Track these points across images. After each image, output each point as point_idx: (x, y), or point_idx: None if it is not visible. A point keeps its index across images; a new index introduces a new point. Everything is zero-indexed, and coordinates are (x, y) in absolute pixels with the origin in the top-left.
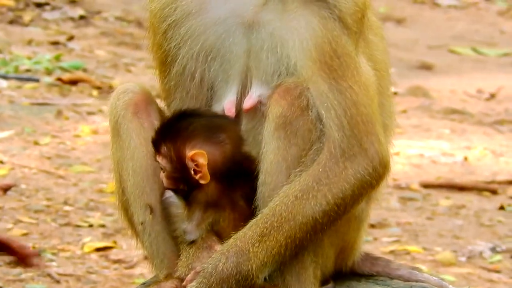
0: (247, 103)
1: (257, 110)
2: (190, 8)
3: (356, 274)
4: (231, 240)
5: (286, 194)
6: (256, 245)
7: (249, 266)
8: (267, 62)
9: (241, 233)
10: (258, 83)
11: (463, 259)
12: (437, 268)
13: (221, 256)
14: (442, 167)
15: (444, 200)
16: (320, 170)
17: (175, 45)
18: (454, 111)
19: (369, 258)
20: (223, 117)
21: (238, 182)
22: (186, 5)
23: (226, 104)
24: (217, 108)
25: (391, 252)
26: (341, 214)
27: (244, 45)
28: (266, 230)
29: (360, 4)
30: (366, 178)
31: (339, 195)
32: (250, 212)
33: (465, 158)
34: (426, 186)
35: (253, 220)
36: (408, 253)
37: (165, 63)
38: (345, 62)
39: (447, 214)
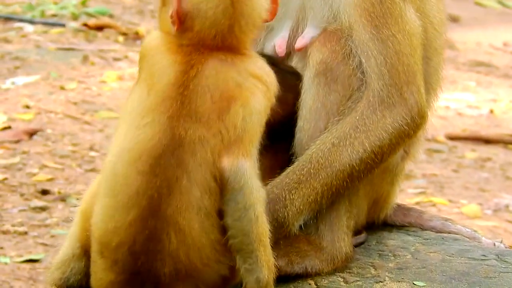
0: (300, 42)
1: (307, 52)
2: None
3: (387, 225)
4: (267, 187)
5: (323, 142)
6: (293, 192)
7: (285, 213)
8: (320, 4)
9: (278, 180)
10: (312, 24)
11: (488, 212)
12: (462, 221)
13: None
14: (468, 119)
15: (470, 153)
16: (357, 118)
17: None
18: (480, 64)
19: (401, 209)
20: (295, 74)
21: (282, 136)
22: None
23: (278, 41)
24: (269, 44)
25: (417, 203)
26: (378, 162)
27: None
28: (303, 177)
29: None
30: (403, 127)
31: (377, 143)
32: (287, 162)
33: (491, 111)
34: (452, 138)
35: (290, 167)
36: (433, 205)
37: None
38: (388, 9)
39: (472, 166)
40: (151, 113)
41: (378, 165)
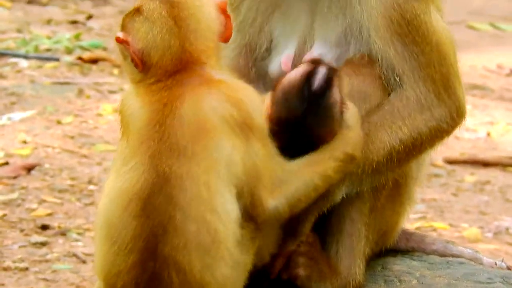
0: (307, 57)
1: None
2: None
3: (391, 250)
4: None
5: (367, 123)
6: None
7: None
8: (334, 24)
9: None
10: (321, 41)
11: (489, 235)
12: (463, 244)
13: None
14: (466, 143)
15: (469, 176)
16: (398, 113)
17: (238, 2)
18: (475, 87)
19: (404, 233)
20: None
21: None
22: None
23: (284, 58)
24: (274, 61)
25: (417, 228)
26: (417, 149)
27: (309, 4)
28: None
29: None
30: (443, 126)
31: (416, 131)
32: None
33: (488, 134)
34: (451, 162)
35: None
36: (434, 229)
37: (234, 11)
38: (414, 27)
39: (472, 190)
40: (133, 157)
41: (416, 154)
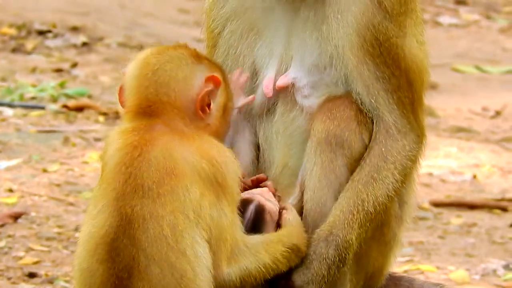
0: (280, 81)
1: (289, 92)
2: None
3: None
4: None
5: (359, 179)
6: (350, 223)
7: (346, 242)
8: (310, 43)
9: (330, 220)
10: (297, 65)
11: (476, 277)
12: (451, 287)
13: None
14: (452, 185)
15: (455, 219)
16: (383, 149)
17: (220, 25)
18: (460, 129)
19: (392, 278)
20: None
21: None
22: None
23: (265, 81)
24: (259, 85)
25: (405, 271)
26: (402, 188)
27: (286, 24)
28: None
29: None
30: (416, 151)
31: (403, 171)
32: None
33: (474, 176)
34: (437, 205)
35: (338, 207)
36: (421, 272)
37: (214, 46)
38: (386, 49)
39: (458, 232)
40: (101, 200)
41: (400, 191)
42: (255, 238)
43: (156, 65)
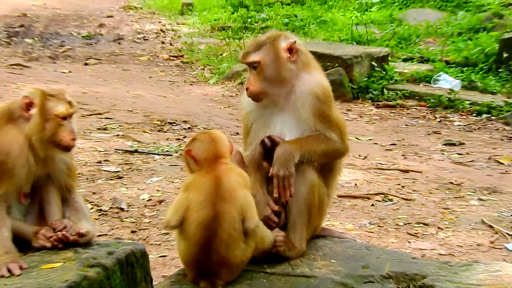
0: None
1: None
2: (252, 108)
3: (317, 236)
4: (288, 144)
5: (312, 136)
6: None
7: (294, 153)
8: (291, 121)
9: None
10: (288, 131)
11: (357, 227)
12: (346, 232)
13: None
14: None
15: (348, 203)
16: (327, 136)
17: (249, 126)
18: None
19: (323, 229)
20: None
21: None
22: (251, 109)
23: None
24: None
25: (326, 225)
26: (327, 156)
27: (279, 117)
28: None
29: (328, 95)
30: (340, 150)
31: (332, 151)
32: None
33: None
34: (340, 196)
35: (297, 138)
36: (333, 226)
37: (248, 133)
38: (327, 116)
39: (349, 210)
40: (202, 203)
41: (327, 158)
42: (257, 221)
43: (212, 138)
